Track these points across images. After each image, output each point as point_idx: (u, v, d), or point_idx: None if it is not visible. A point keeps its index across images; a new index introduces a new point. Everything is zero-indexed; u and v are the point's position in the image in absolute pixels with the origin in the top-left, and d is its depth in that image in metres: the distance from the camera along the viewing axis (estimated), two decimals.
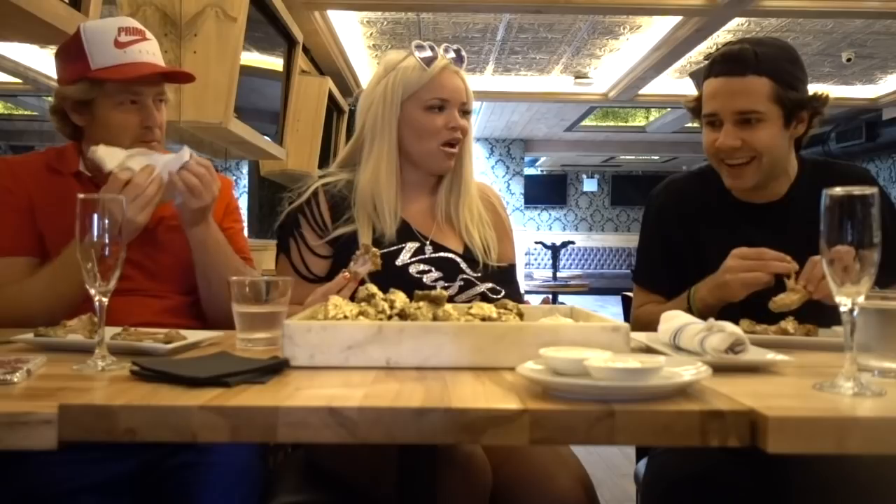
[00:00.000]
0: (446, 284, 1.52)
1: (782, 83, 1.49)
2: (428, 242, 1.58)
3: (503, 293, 1.56)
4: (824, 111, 1.58)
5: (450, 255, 1.58)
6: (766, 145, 1.51)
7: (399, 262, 1.53)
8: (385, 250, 1.50)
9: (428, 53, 1.55)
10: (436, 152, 1.56)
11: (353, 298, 1.21)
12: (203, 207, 1.46)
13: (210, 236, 1.52)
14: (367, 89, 1.62)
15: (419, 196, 1.64)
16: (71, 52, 1.52)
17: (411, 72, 1.55)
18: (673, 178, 1.78)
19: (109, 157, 1.42)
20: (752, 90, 1.49)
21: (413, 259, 1.54)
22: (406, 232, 1.58)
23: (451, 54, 1.57)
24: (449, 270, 1.55)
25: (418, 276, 1.52)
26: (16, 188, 1.52)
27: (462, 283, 1.55)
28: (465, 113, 1.60)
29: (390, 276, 1.46)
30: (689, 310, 1.49)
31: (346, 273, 1.33)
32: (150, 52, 1.54)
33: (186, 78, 1.64)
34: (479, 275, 1.58)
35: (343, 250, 1.52)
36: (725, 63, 1.51)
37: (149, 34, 1.57)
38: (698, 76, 1.63)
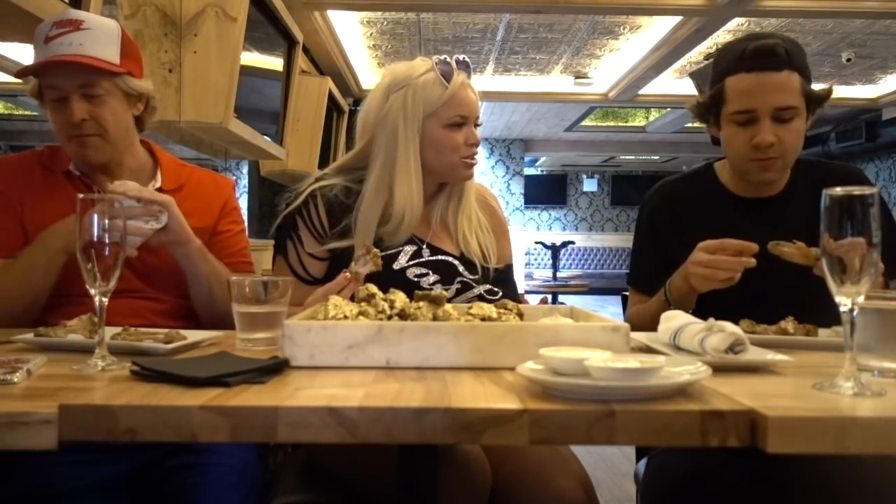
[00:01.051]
0: (444, 287, 1.53)
1: (805, 78, 1.51)
2: (425, 245, 1.58)
3: (500, 294, 1.57)
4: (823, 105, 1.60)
5: (447, 257, 1.58)
6: (796, 142, 1.53)
7: (397, 265, 1.53)
8: (382, 254, 1.50)
9: (445, 68, 1.56)
10: (458, 164, 1.59)
11: (353, 298, 1.21)
12: (169, 238, 1.43)
13: (192, 252, 1.48)
14: (375, 101, 1.59)
15: (425, 204, 1.63)
16: None
17: (431, 88, 1.55)
18: (666, 180, 1.78)
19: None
20: (789, 85, 1.49)
21: (411, 262, 1.54)
22: None
23: (462, 69, 1.58)
24: (446, 273, 1.55)
25: (416, 279, 1.52)
26: (7, 189, 1.52)
27: (459, 285, 1.55)
28: (477, 126, 1.62)
29: (388, 280, 1.45)
30: (667, 301, 1.52)
31: (347, 273, 1.33)
32: (77, 42, 1.43)
33: (106, 70, 1.47)
34: (477, 277, 1.58)
35: (341, 255, 1.52)
36: (761, 58, 1.49)
37: (90, 23, 1.46)
38: (698, 76, 1.64)
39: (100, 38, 1.47)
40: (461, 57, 1.59)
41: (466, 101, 1.57)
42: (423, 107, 1.55)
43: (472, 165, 1.60)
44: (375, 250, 1.35)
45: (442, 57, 1.57)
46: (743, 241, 1.39)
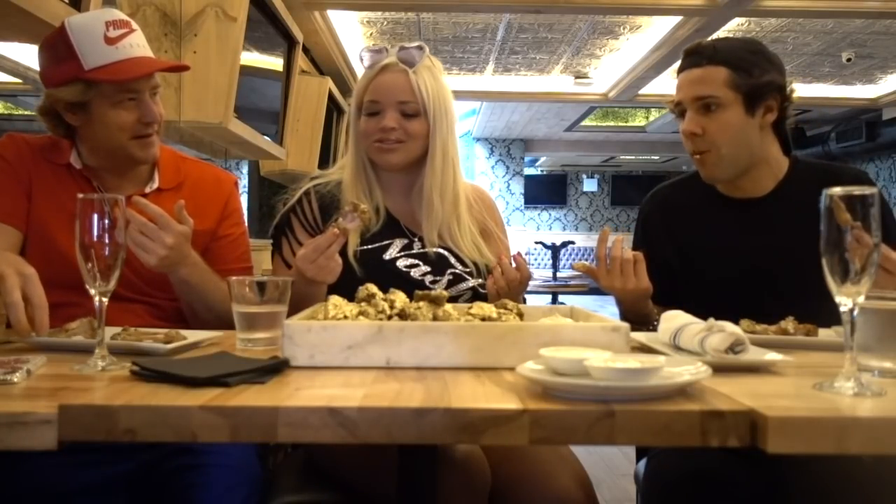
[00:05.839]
0: (434, 278, 1.54)
1: (739, 70, 1.55)
2: (416, 239, 1.60)
3: None
4: (792, 98, 1.62)
5: (438, 249, 1.59)
6: (725, 132, 1.56)
7: (387, 256, 1.55)
8: (373, 245, 1.53)
9: (373, 57, 1.56)
10: (371, 149, 1.58)
11: (352, 298, 1.21)
12: (165, 258, 1.35)
13: (193, 275, 1.44)
14: None
15: (401, 197, 1.65)
16: (59, 50, 1.44)
17: (361, 79, 1.59)
18: (660, 186, 1.83)
19: None
20: (709, 78, 1.56)
21: (401, 254, 1.56)
22: (395, 228, 1.60)
23: (403, 52, 1.55)
24: (437, 265, 1.57)
25: (406, 269, 1.54)
26: (17, 164, 1.50)
27: (451, 276, 1.56)
28: (408, 115, 1.55)
29: (379, 270, 1.49)
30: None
31: (336, 229, 1.33)
32: (139, 44, 1.48)
33: (182, 69, 1.63)
34: (469, 270, 1.59)
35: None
36: (687, 57, 1.62)
37: (134, 24, 1.50)
38: None
39: (144, 38, 1.52)
40: (412, 45, 1.56)
41: (379, 86, 1.55)
42: (355, 97, 1.59)
43: (383, 150, 1.56)
44: (363, 206, 1.35)
45: (376, 47, 1.58)
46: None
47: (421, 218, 1.62)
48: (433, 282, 1.54)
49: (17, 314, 1.09)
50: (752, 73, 1.55)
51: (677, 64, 1.65)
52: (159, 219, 1.33)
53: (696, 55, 1.60)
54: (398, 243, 1.58)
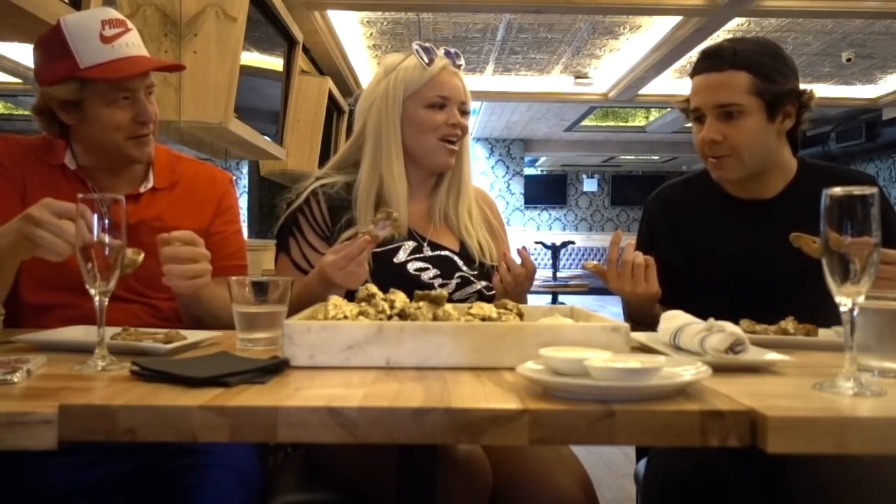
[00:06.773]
0: (443, 282, 1.54)
1: (761, 76, 1.52)
2: (426, 243, 1.60)
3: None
4: (811, 105, 1.60)
5: (447, 252, 1.60)
6: (746, 139, 1.54)
7: (397, 259, 1.55)
8: (383, 248, 1.52)
9: (427, 52, 1.59)
10: (435, 147, 1.59)
11: (352, 299, 1.21)
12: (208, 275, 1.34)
13: (205, 290, 1.42)
14: (367, 91, 1.65)
15: (417, 198, 1.66)
16: (53, 49, 1.43)
17: (412, 71, 1.59)
18: (665, 185, 1.81)
19: None
20: (731, 84, 1.52)
21: (410, 257, 1.56)
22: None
23: (449, 57, 1.61)
24: (446, 268, 1.57)
25: (416, 273, 1.54)
26: (11, 165, 1.49)
27: (459, 280, 1.57)
28: (464, 113, 1.63)
29: (389, 273, 1.49)
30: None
31: (367, 236, 1.33)
32: (135, 43, 1.47)
33: (177, 68, 1.63)
34: (476, 272, 1.59)
35: None
36: (705, 60, 1.57)
37: (129, 23, 1.49)
38: None
39: (140, 38, 1.52)
40: (451, 49, 1.62)
41: (448, 84, 1.59)
42: (405, 88, 1.59)
43: (451, 152, 1.61)
44: (396, 215, 1.35)
45: (426, 44, 1.60)
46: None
47: (432, 221, 1.64)
48: (442, 285, 1.54)
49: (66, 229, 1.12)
50: (776, 80, 1.52)
51: (678, 64, 1.64)
52: (191, 240, 1.32)
53: (715, 58, 1.54)
54: (407, 246, 1.57)
